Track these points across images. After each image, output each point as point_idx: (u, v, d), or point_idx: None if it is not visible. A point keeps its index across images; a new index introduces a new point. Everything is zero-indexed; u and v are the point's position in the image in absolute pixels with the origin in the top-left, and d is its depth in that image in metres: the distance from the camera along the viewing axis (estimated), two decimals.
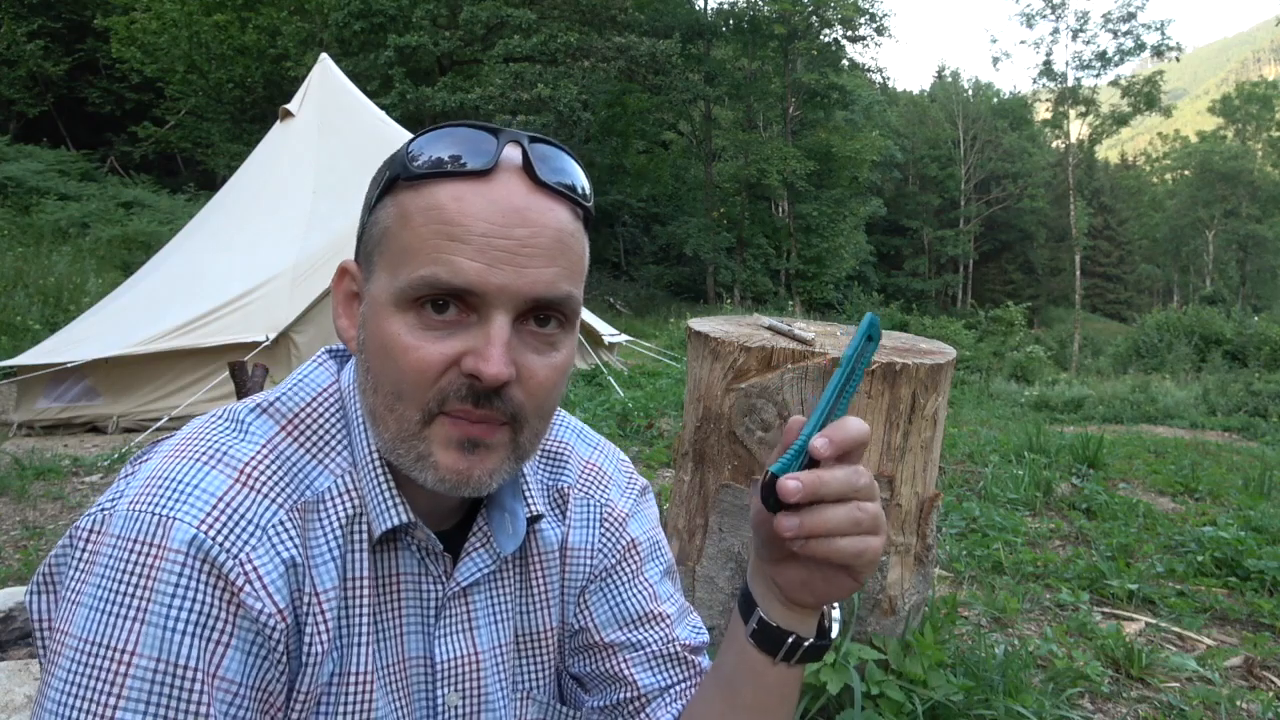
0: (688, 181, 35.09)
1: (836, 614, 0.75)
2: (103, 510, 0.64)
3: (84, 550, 0.62)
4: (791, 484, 0.62)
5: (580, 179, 0.69)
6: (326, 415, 0.73)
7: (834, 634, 0.75)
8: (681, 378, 8.31)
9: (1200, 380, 15.18)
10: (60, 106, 21.05)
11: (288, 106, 7.47)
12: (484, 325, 0.64)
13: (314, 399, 0.73)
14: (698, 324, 2.15)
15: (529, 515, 0.79)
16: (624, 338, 10.12)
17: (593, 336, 8.79)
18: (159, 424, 5.60)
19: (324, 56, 8.11)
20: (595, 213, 0.73)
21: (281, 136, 7.42)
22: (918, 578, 2.07)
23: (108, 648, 0.58)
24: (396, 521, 0.70)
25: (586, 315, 8.96)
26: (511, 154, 0.66)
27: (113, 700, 0.58)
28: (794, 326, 2.14)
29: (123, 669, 0.58)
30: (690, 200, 33.89)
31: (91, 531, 0.63)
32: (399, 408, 0.66)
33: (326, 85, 7.62)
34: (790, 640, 0.71)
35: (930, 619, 2.11)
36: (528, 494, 0.80)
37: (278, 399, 0.73)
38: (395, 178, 0.67)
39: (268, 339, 5.71)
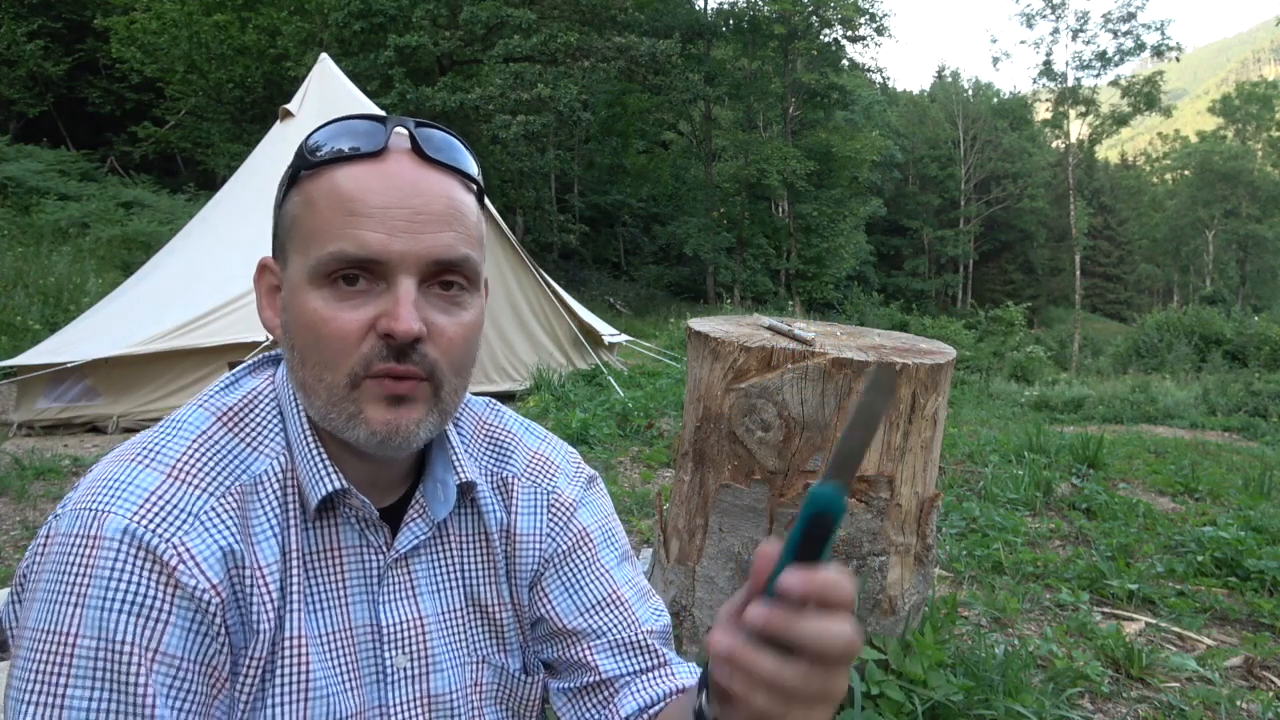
0: (688, 181, 35.07)
1: None
2: (55, 516, 0.69)
3: (40, 554, 0.68)
4: (756, 611, 0.53)
5: (466, 158, 0.75)
6: (261, 407, 0.78)
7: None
8: (681, 378, 8.31)
9: (1200, 380, 15.18)
10: (60, 106, 21.02)
11: (288, 106, 7.47)
12: (392, 290, 0.69)
13: (248, 394, 0.78)
14: (698, 324, 2.15)
15: (459, 483, 0.83)
16: (624, 338, 10.09)
17: (593, 336, 8.77)
18: None
19: (324, 56, 8.10)
20: (484, 187, 0.79)
21: (281, 136, 7.41)
22: (918, 578, 2.07)
23: (54, 633, 0.63)
24: (331, 488, 0.74)
25: (586, 315, 8.95)
26: (400, 137, 0.73)
27: (63, 680, 0.62)
28: (794, 326, 2.14)
29: (68, 651, 0.63)
30: (690, 200, 33.87)
31: (46, 537, 0.68)
32: (326, 376, 0.71)
33: (326, 85, 7.62)
34: None
35: (930, 619, 2.11)
36: (457, 463, 0.84)
37: (213, 395, 0.78)
38: (298, 170, 0.74)
39: (268, 339, 5.71)
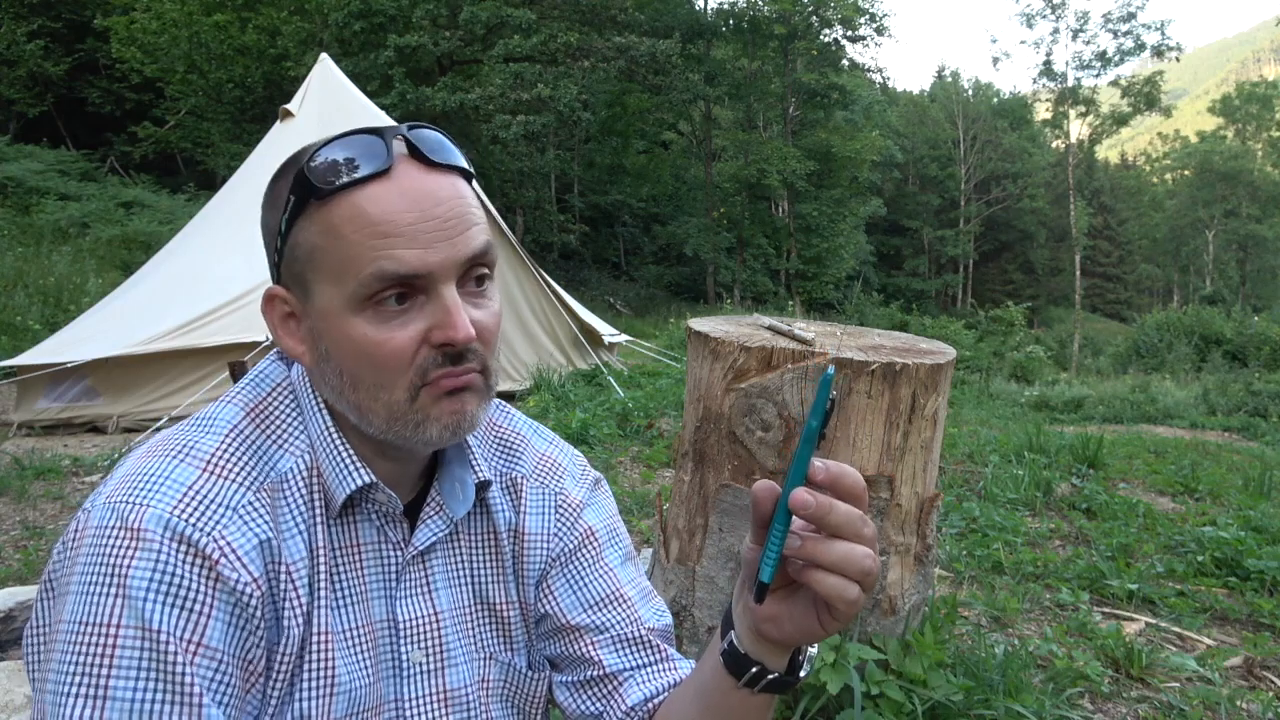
0: (688, 181, 35.06)
1: (813, 651, 0.77)
2: (84, 510, 0.69)
3: (70, 549, 0.68)
4: (805, 497, 0.62)
5: (457, 153, 0.77)
6: (283, 404, 0.80)
7: (804, 673, 0.75)
8: (681, 378, 8.30)
9: (1200, 380, 15.16)
10: (60, 106, 21.01)
11: (288, 106, 7.46)
12: (436, 300, 0.72)
13: (272, 390, 0.80)
14: (698, 324, 2.15)
15: (476, 482, 0.85)
16: (624, 338, 10.09)
17: (593, 336, 8.77)
18: (159, 424, 5.59)
19: (324, 56, 8.09)
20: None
21: (281, 136, 7.41)
22: (918, 578, 2.07)
23: (94, 625, 0.63)
24: (360, 483, 0.76)
25: (586, 315, 8.95)
26: (399, 147, 0.73)
27: (105, 671, 0.62)
28: (794, 326, 2.14)
29: (111, 641, 0.62)
30: (690, 200, 33.86)
31: (75, 532, 0.68)
32: (383, 395, 0.73)
33: (326, 85, 7.61)
34: (754, 670, 0.72)
35: (930, 619, 2.11)
36: (474, 463, 0.86)
37: (241, 390, 0.80)
38: (304, 199, 0.72)
39: (268, 339, 5.71)
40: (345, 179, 0.70)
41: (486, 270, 0.76)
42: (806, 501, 0.62)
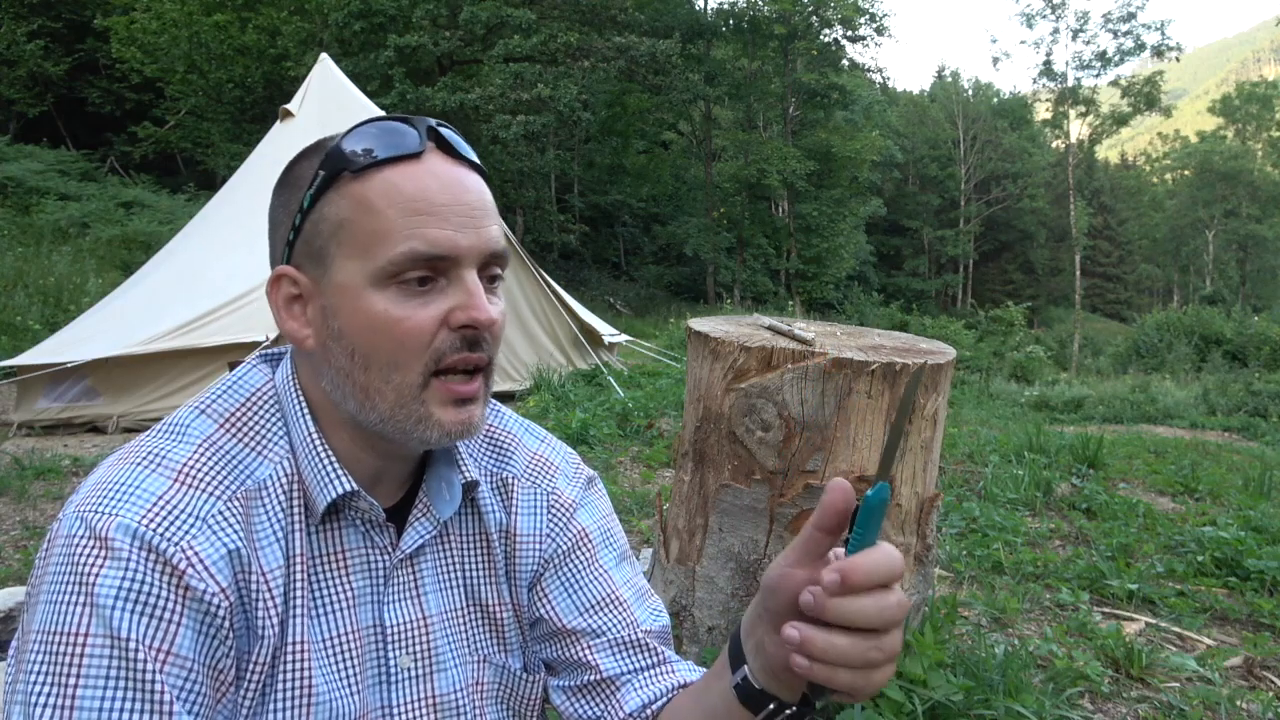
0: (688, 181, 35.08)
1: None
2: (56, 520, 0.69)
3: (43, 559, 0.68)
4: (805, 597, 0.61)
5: (473, 152, 0.78)
6: (264, 410, 0.78)
7: (818, 705, 0.73)
8: (681, 378, 8.30)
9: (1200, 380, 15.17)
10: (60, 106, 21.02)
11: (288, 106, 7.46)
12: (458, 283, 0.72)
13: (250, 397, 0.78)
14: (698, 324, 2.15)
15: (464, 482, 0.84)
16: (624, 338, 10.09)
17: (593, 336, 8.77)
18: None
19: (324, 56, 8.10)
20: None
21: (281, 136, 7.41)
22: (918, 578, 2.07)
23: (63, 634, 0.62)
24: (341, 490, 0.75)
25: (586, 315, 8.95)
26: (428, 137, 0.74)
27: (73, 680, 0.61)
28: (794, 326, 2.14)
29: (79, 650, 0.62)
30: (690, 200, 33.87)
31: (48, 542, 0.68)
32: (396, 377, 0.72)
33: (326, 85, 7.62)
34: (771, 705, 0.70)
35: (930, 619, 2.11)
36: (461, 463, 0.84)
37: (215, 399, 0.78)
38: (337, 172, 0.72)
39: (268, 339, 5.71)
40: (381, 155, 0.71)
41: (499, 271, 0.76)
42: (805, 601, 0.61)
